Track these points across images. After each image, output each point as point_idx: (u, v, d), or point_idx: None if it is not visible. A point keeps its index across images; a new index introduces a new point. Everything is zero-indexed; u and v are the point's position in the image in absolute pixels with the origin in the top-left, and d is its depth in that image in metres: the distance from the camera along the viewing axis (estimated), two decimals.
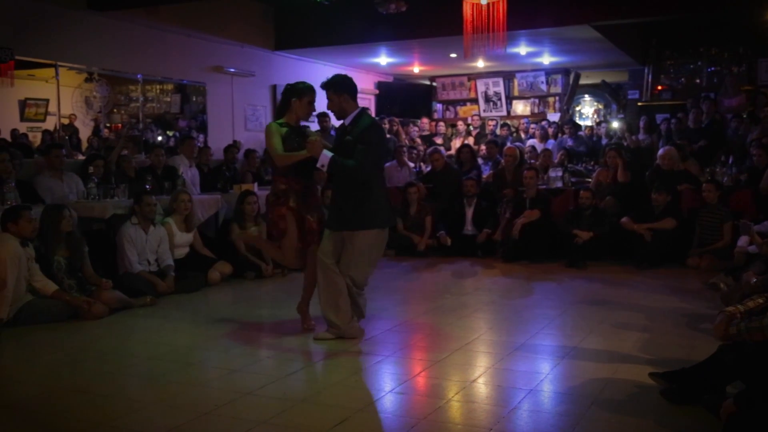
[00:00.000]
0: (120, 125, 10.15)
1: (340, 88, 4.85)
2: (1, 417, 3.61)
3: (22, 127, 9.83)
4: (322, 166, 4.70)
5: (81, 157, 8.66)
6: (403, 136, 12.51)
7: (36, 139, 9.89)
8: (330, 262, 4.84)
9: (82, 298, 5.71)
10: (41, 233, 5.75)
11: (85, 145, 9.80)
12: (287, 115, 5.03)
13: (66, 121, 9.42)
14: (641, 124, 11.79)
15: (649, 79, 13.45)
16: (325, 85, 4.89)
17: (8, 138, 8.95)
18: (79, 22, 8.83)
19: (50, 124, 9.75)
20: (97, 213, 6.86)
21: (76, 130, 9.78)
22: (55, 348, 4.95)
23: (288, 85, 5.09)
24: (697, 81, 13.21)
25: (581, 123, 14.79)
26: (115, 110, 10.06)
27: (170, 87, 10.56)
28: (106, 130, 9.95)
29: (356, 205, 4.76)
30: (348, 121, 4.87)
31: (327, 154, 4.66)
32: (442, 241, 8.79)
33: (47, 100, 9.70)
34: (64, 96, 9.06)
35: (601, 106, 16.81)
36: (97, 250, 6.41)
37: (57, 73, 8.68)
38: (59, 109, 9.00)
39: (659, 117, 11.81)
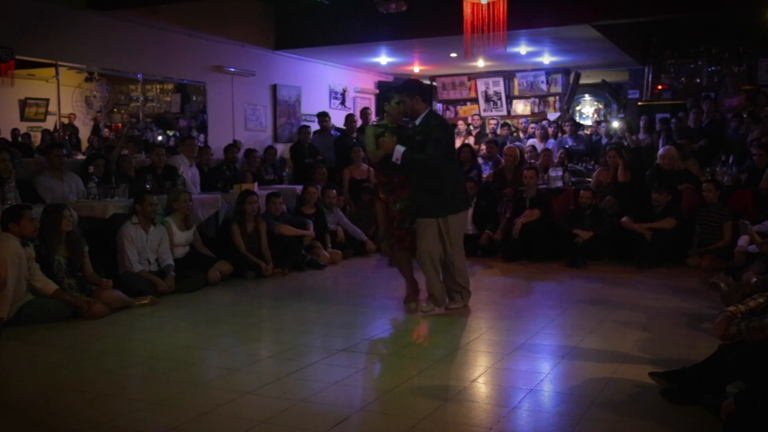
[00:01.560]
0: (120, 125, 10.14)
1: (413, 91, 5.54)
2: (1, 417, 3.61)
3: (23, 127, 9.81)
4: (396, 160, 5.38)
5: (81, 157, 8.65)
6: None
7: (36, 138, 9.88)
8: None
9: (83, 297, 5.72)
10: (41, 233, 5.75)
11: (85, 144, 9.79)
12: (386, 118, 5.80)
13: (66, 121, 9.41)
14: (641, 123, 11.78)
15: (650, 79, 13.43)
16: (399, 90, 5.61)
17: (8, 137, 8.95)
18: (80, 21, 8.81)
19: (50, 123, 9.74)
20: (97, 212, 6.85)
21: (76, 129, 9.77)
22: (55, 348, 4.95)
23: (381, 91, 5.69)
24: (698, 80, 13.20)
25: (581, 122, 14.77)
26: (115, 110, 10.04)
27: (170, 86, 10.54)
28: (106, 130, 9.93)
29: (432, 195, 5.43)
30: (418, 121, 5.53)
31: (399, 149, 5.37)
32: None
33: (47, 100, 9.68)
34: (64, 95, 9.04)
35: (601, 106, 16.79)
36: (97, 250, 6.41)
37: (57, 73, 8.66)
38: (59, 109, 8.98)
39: (658, 117, 11.80)
